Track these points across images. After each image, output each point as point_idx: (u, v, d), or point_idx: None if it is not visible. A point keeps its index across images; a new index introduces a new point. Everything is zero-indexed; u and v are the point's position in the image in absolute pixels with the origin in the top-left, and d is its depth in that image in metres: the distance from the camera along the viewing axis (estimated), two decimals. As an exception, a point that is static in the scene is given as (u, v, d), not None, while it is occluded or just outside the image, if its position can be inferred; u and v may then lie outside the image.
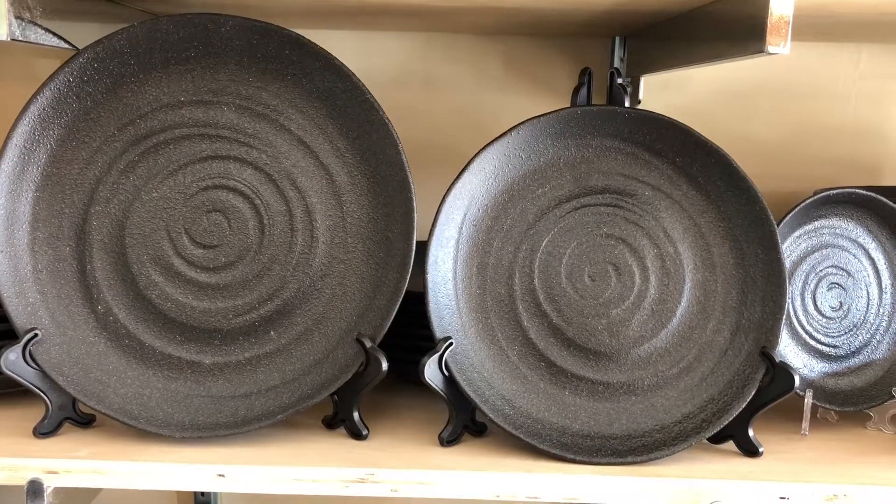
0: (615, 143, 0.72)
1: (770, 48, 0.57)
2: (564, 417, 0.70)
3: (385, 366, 0.68)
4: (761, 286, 0.71)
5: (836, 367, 0.78)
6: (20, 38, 0.60)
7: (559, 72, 1.01)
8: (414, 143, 0.99)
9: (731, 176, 0.71)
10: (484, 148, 0.71)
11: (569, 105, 0.73)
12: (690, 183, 0.72)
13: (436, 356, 0.68)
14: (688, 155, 0.72)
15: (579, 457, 0.67)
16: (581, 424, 0.70)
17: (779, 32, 0.57)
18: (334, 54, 0.70)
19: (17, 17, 0.60)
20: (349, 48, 1.00)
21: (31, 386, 0.67)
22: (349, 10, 0.84)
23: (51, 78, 0.68)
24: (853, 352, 0.79)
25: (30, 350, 0.67)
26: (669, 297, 0.72)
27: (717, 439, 0.70)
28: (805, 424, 0.75)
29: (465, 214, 0.72)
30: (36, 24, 0.63)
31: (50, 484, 0.65)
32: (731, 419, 0.68)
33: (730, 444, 0.70)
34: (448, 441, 0.69)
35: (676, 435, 0.68)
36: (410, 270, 0.69)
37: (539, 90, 1.02)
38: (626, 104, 0.72)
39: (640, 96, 0.95)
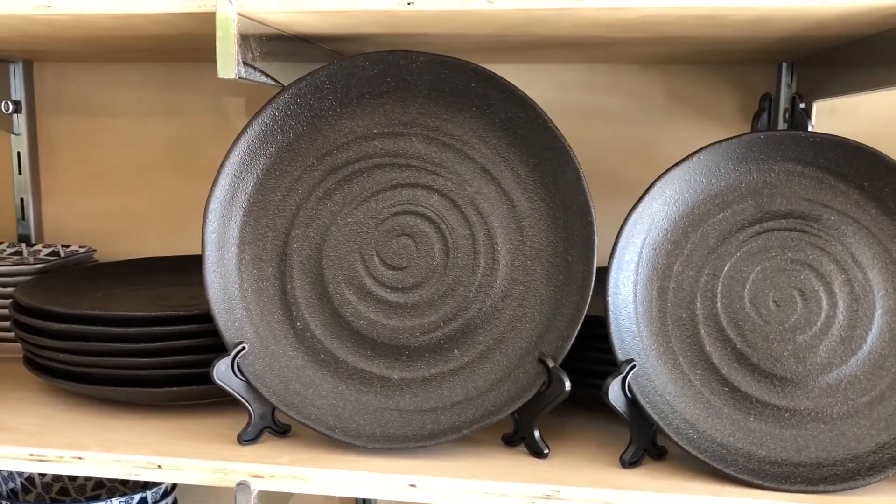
0: (799, 168, 0.72)
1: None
2: (750, 443, 0.69)
3: (568, 386, 0.69)
4: (961, 314, 0.68)
5: None
6: (245, 77, 0.67)
7: (723, 99, 1.01)
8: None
9: (925, 200, 0.69)
10: (665, 173, 0.72)
11: (740, 131, 0.73)
12: (880, 208, 0.71)
13: (619, 378, 0.69)
14: (877, 179, 0.70)
15: (767, 483, 0.66)
16: (767, 451, 0.69)
17: None
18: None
19: (242, 60, 0.66)
20: (514, 81, 1.03)
21: (237, 395, 0.73)
22: (517, 45, 0.87)
23: (259, 112, 0.75)
24: None
25: (237, 362, 0.73)
26: (859, 323, 0.70)
27: (915, 472, 0.67)
28: None
29: (645, 238, 0.73)
30: (253, 66, 0.70)
31: (256, 487, 0.69)
32: (930, 452, 0.66)
33: (928, 478, 0.68)
34: (629, 463, 0.70)
35: (871, 465, 0.66)
36: (591, 293, 0.71)
37: (703, 118, 1.02)
38: (809, 129, 0.72)
39: (812, 122, 0.93)
